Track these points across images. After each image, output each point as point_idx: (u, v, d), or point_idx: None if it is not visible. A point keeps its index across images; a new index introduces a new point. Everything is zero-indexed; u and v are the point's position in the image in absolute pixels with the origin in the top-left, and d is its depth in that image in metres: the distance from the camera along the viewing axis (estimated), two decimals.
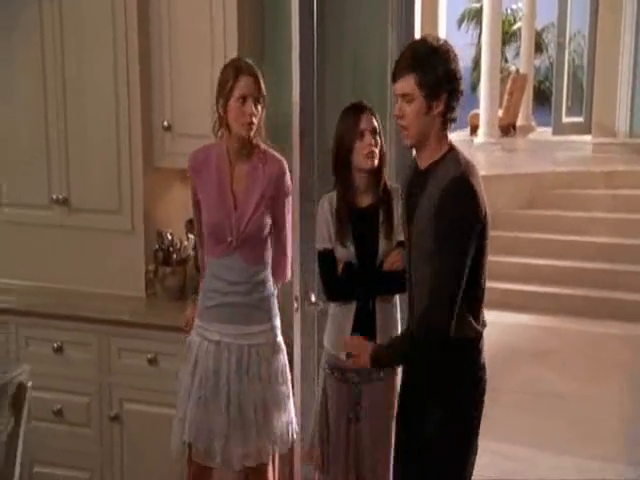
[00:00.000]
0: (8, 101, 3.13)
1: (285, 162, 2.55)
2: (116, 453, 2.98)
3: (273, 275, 2.62)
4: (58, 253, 3.16)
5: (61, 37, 3.01)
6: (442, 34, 5.67)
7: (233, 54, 2.76)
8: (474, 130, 10.46)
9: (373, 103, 2.56)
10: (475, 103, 10.52)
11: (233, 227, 2.48)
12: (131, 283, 3.07)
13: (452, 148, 2.16)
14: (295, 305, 2.69)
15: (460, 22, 18.91)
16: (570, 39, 10.30)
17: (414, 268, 2.22)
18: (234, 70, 2.44)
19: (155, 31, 2.94)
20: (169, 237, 3.07)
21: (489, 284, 2.20)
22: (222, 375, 2.52)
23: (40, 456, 3.03)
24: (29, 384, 2.03)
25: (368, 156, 2.47)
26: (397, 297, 2.60)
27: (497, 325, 5.30)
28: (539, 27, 15.53)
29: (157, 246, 3.07)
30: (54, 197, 3.10)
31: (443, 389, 2.19)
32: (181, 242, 3.09)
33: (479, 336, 2.20)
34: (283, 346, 2.63)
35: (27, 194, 3.17)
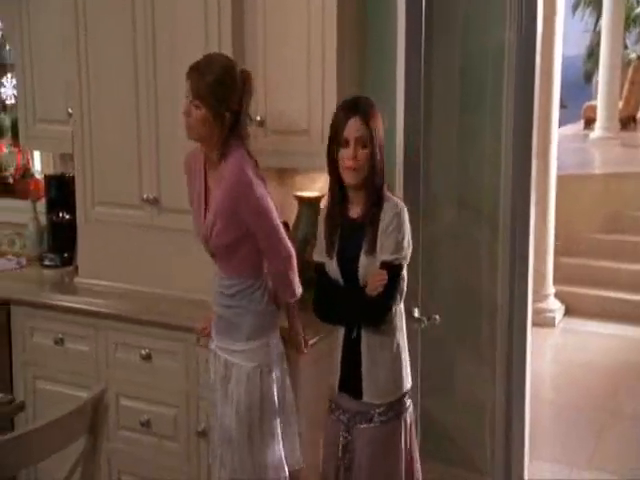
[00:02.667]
0: (101, 101, 3.04)
1: (243, 170, 2.26)
2: (203, 470, 2.81)
3: (275, 292, 2.39)
4: (148, 255, 3.03)
5: (153, 38, 2.88)
6: (559, 21, 5.24)
7: (332, 54, 2.60)
8: (589, 123, 9.83)
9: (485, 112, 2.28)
10: (590, 94, 9.87)
11: (203, 237, 2.38)
12: None
13: None
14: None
15: (575, 8, 18.02)
16: None
17: None
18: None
19: (249, 29, 2.79)
20: None
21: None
22: (216, 389, 2.46)
23: (128, 467, 2.93)
24: (107, 405, 1.86)
25: (347, 171, 2.17)
26: (399, 323, 2.26)
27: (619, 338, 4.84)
28: None
29: None
30: (145, 197, 2.98)
31: None
32: None
33: None
34: (268, 377, 2.36)
35: (119, 193, 3.07)
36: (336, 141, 2.18)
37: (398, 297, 2.22)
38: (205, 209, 2.37)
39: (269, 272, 2.38)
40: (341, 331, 2.30)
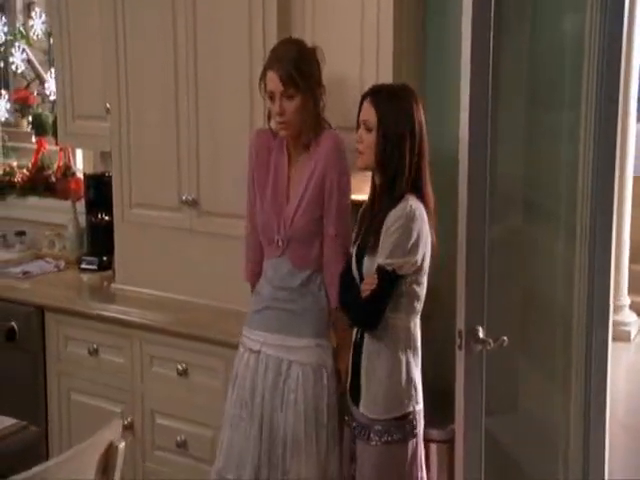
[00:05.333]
0: (139, 97, 2.89)
1: (338, 137, 2.22)
2: None
3: (328, 292, 2.26)
4: (187, 261, 2.84)
5: (194, 31, 2.71)
6: None
7: (388, 40, 2.41)
8: None
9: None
10: None
11: (281, 225, 2.24)
12: None
13: None
14: (458, 341, 2.19)
15: None
16: None
17: None
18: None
19: (296, 22, 2.57)
20: None
21: None
22: (257, 393, 2.24)
23: None
24: (121, 445, 1.63)
25: (356, 155, 2.12)
26: (402, 335, 2.09)
27: None
28: None
29: None
30: (183, 198, 2.77)
31: None
32: None
33: None
34: (333, 376, 2.24)
35: (157, 194, 2.89)
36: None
37: (383, 306, 2.06)
38: (287, 200, 2.27)
39: (327, 267, 2.25)
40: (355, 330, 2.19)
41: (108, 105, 2.96)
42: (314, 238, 2.24)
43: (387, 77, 2.39)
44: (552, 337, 2.81)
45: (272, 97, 2.19)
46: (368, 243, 2.09)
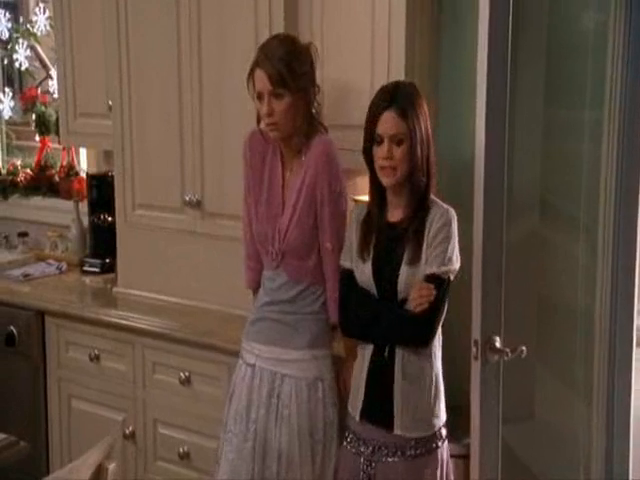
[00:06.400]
0: (142, 94, 2.79)
1: (330, 143, 2.09)
2: None
3: (329, 307, 2.16)
4: (191, 265, 2.74)
5: (198, 27, 2.61)
6: None
7: (399, 51, 2.30)
8: None
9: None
10: None
11: (275, 237, 2.13)
12: None
13: None
14: (474, 351, 2.10)
15: None
16: None
17: None
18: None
19: (304, 18, 2.47)
20: None
21: None
22: (252, 408, 2.15)
23: None
24: (110, 466, 1.53)
25: (381, 171, 1.94)
26: (437, 344, 2.01)
27: None
28: None
29: None
30: (187, 198, 2.67)
31: None
32: None
33: None
34: (331, 391, 2.14)
35: (160, 194, 2.79)
36: (369, 137, 1.95)
37: (441, 318, 1.99)
38: (282, 209, 2.16)
39: (328, 281, 2.15)
40: (367, 349, 2.02)
41: (110, 102, 2.87)
42: (310, 250, 2.13)
43: (399, 78, 2.26)
44: (572, 344, 2.70)
45: (260, 97, 2.07)
46: (400, 256, 1.96)
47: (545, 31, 2.57)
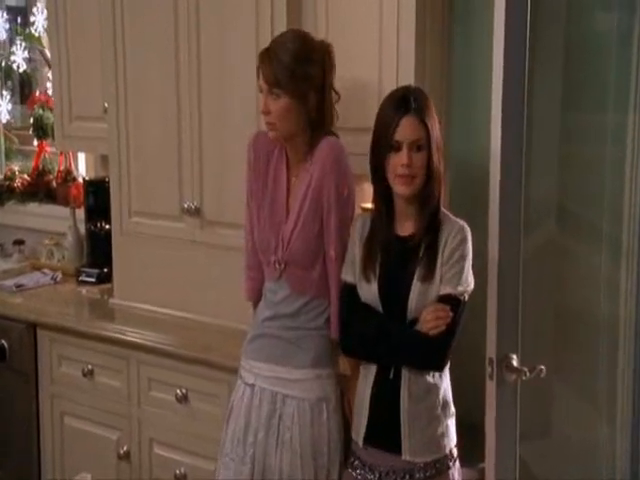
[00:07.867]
0: (138, 97, 2.70)
1: (338, 144, 1.98)
2: None
3: (332, 321, 2.03)
4: (189, 276, 2.62)
5: (197, 28, 2.51)
6: None
7: (409, 52, 2.20)
8: None
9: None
10: None
11: (279, 246, 2.02)
12: None
13: None
14: (489, 370, 1.98)
15: None
16: None
17: None
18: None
19: (308, 18, 2.35)
20: None
21: None
22: (251, 431, 2.03)
23: None
24: None
25: (399, 180, 1.83)
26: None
27: None
28: None
29: None
30: (185, 206, 2.56)
31: None
32: None
33: None
34: (335, 413, 2.02)
35: (157, 201, 2.68)
36: (384, 144, 1.83)
37: (456, 340, 1.89)
38: (286, 216, 2.05)
39: (331, 293, 2.03)
40: (370, 369, 1.91)
41: (106, 104, 2.76)
42: (314, 260, 2.01)
43: (408, 81, 2.15)
44: (594, 359, 2.58)
45: (262, 91, 2.00)
46: (411, 273, 1.85)
47: (563, 31, 2.48)
